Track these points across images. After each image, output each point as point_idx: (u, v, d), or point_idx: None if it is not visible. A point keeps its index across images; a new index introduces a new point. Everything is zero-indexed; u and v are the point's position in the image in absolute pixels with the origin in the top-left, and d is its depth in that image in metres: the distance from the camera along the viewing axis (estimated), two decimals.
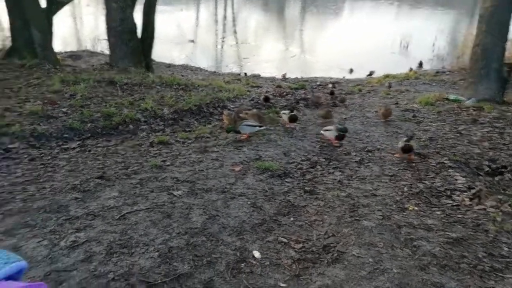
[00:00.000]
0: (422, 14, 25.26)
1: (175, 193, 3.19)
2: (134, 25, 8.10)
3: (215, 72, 11.11)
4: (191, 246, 2.44)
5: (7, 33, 10.52)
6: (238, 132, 4.75)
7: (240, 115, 5.16)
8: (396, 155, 4.31)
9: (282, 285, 2.10)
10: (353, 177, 3.78)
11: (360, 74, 11.62)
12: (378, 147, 4.62)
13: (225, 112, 5.25)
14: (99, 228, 2.56)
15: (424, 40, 15.71)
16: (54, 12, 9.08)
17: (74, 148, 4.29)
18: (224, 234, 2.63)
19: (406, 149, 4.13)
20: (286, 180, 3.67)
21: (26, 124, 4.67)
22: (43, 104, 5.38)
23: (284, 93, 8.04)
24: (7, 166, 3.63)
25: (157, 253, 2.33)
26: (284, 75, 10.92)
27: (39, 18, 8.01)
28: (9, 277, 0.89)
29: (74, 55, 11.63)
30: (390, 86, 8.48)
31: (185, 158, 4.08)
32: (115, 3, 7.76)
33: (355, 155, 4.38)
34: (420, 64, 12.12)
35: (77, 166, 3.66)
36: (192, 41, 16.79)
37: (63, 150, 4.23)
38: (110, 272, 2.12)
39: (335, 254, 2.36)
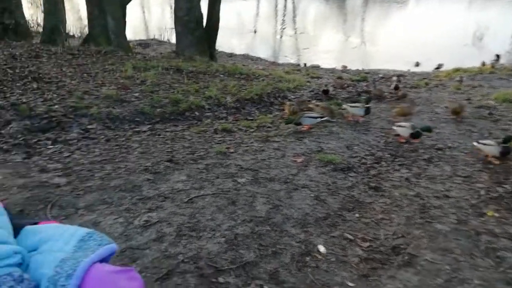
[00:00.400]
0: (499, 3, 23.05)
1: (239, 180, 3.24)
2: (200, 15, 8.31)
3: (274, 62, 11.09)
4: (256, 235, 2.47)
5: (85, 22, 11.33)
6: (299, 124, 4.70)
7: (310, 106, 5.09)
8: (491, 159, 3.84)
9: (350, 284, 2.05)
10: (422, 175, 3.58)
11: (427, 67, 10.93)
12: (450, 145, 4.32)
13: (287, 103, 5.21)
14: (169, 210, 2.68)
15: (501, 32, 14.35)
16: (128, 1, 9.58)
17: (145, 132, 4.52)
18: (288, 225, 2.63)
19: (506, 152, 3.70)
20: (350, 174, 3.57)
21: (102, 107, 5.00)
22: (117, 88, 5.73)
23: (345, 85, 7.81)
24: (86, 145, 3.93)
25: (223, 239, 2.39)
26: (344, 67, 10.61)
27: (114, 7, 8.50)
28: (102, 260, 0.92)
29: (143, 43, 12.24)
30: (461, 81, 7.87)
31: (248, 146, 4.13)
32: None
33: (423, 153, 4.15)
34: (497, 58, 11.11)
35: (148, 149, 3.85)
36: (255, 31, 16.86)
37: (135, 132, 4.48)
38: (180, 254, 2.21)
39: (406, 257, 2.26)
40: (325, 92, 6.62)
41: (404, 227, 2.64)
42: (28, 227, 1.11)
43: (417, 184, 3.38)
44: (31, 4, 15.41)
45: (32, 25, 11.45)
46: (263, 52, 12.76)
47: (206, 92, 6.07)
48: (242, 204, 2.86)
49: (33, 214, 2.48)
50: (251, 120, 5.22)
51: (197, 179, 3.22)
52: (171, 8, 22.93)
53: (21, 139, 3.97)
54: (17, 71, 6.00)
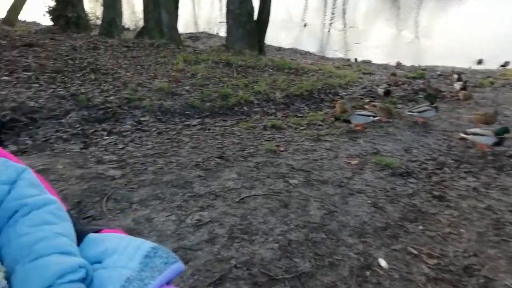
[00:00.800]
0: None
1: (291, 181, 3.12)
2: (251, 8, 8.22)
3: (323, 56, 10.77)
4: (310, 242, 2.34)
5: (140, 15, 11.67)
6: (348, 122, 4.48)
7: (366, 106, 4.85)
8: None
9: None
10: (492, 185, 3.26)
11: (491, 64, 10.10)
12: None
13: (340, 101, 4.97)
14: (221, 210, 2.61)
15: None
16: None
17: (195, 126, 4.52)
18: (345, 233, 2.47)
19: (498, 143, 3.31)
20: (409, 180, 3.32)
21: (154, 99, 5.07)
22: (168, 81, 5.80)
23: (400, 82, 7.40)
24: (139, 137, 3.98)
25: (276, 245, 2.29)
26: (398, 63, 10.07)
27: (168, 0, 8.63)
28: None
29: (193, 37, 12.40)
30: None
31: (298, 144, 3.99)
32: None
33: (492, 160, 3.78)
34: None
35: (199, 144, 3.83)
36: (305, 24, 16.51)
37: (185, 126, 4.49)
38: (232, 258, 2.14)
39: (481, 280, 2.02)
40: (387, 93, 6.06)
41: (476, 244, 2.39)
42: (92, 235, 1.05)
43: (487, 196, 3.07)
44: None
45: (91, 19, 11.95)
46: (311, 46, 12.45)
47: (255, 87, 5.98)
48: (294, 207, 2.74)
49: (90, 206, 2.51)
50: (301, 117, 5.06)
51: (248, 177, 3.13)
52: (220, 1, 23.09)
53: (79, 129, 4.11)
54: (77, 62, 6.25)
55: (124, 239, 1.00)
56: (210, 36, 13.12)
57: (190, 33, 13.68)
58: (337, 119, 4.56)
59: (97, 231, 1.09)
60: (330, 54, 11.26)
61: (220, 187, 2.93)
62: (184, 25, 14.76)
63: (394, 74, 7.98)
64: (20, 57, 6.06)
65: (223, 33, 13.59)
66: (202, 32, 13.91)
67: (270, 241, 2.33)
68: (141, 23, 11.28)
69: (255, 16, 8.52)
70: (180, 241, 2.25)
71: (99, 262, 0.97)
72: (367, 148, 3.97)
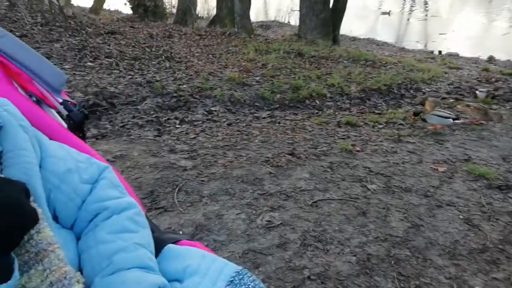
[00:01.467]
0: None
1: (369, 186, 2.85)
2: None
3: (403, 48, 10.00)
4: (393, 259, 2.09)
5: (212, 4, 11.81)
6: (424, 121, 4.06)
7: (459, 106, 4.35)
8: None
9: None
10: None
11: None
12: None
13: (430, 99, 4.49)
14: (292, 212, 2.45)
15: None
16: None
17: (264, 118, 4.39)
18: (433, 252, 2.17)
19: None
20: (510, 195, 2.87)
21: (225, 89, 5.03)
22: (239, 71, 5.73)
23: (493, 79, 6.58)
24: (210, 128, 3.95)
25: (354, 258, 2.07)
26: (491, 56, 9.01)
27: None
28: None
29: (264, 25, 12.27)
30: None
31: (376, 145, 3.67)
32: None
33: None
34: None
35: (268, 138, 3.69)
36: (389, 13, 15.52)
37: (255, 118, 4.38)
38: (305, 268, 1.96)
39: None
40: (492, 97, 5.31)
41: None
42: (171, 248, 0.96)
43: None
44: None
45: (167, 7, 12.37)
46: (389, 36, 11.65)
47: (328, 79, 5.68)
48: (373, 216, 2.48)
49: (162, 197, 2.50)
50: (379, 114, 4.69)
51: (321, 179, 2.92)
52: None
53: (153, 116, 4.19)
54: (153, 50, 6.44)
55: (206, 258, 0.89)
56: (281, 24, 12.89)
57: (261, 21, 13.58)
58: (415, 114, 4.22)
59: (175, 242, 1.00)
60: (410, 45, 10.42)
61: (292, 186, 2.76)
62: (255, 13, 14.68)
63: (486, 69, 7.14)
64: (103, 44, 6.39)
65: (294, 22, 13.29)
66: (273, 21, 13.73)
67: (347, 252, 2.12)
68: (213, 12, 11.40)
69: (331, 4, 8.12)
70: (250, 243, 2.13)
71: (178, 280, 0.88)
72: (456, 154, 3.53)
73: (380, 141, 3.76)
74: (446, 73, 6.88)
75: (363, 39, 10.85)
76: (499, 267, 2.09)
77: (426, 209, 2.60)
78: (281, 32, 11.18)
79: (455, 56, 9.06)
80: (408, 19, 15.52)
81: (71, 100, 1.13)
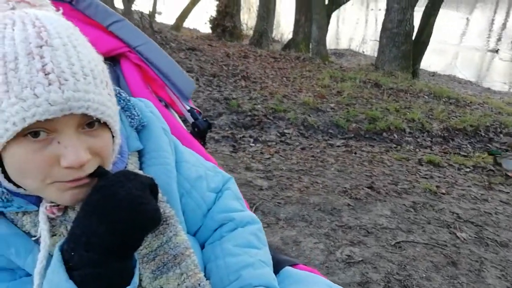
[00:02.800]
0: None
1: (458, 234, 2.59)
2: (412, 28, 7.60)
3: (489, 89, 9.32)
4: None
5: (287, 28, 12.06)
6: (499, 165, 3.77)
7: None
8: None
9: None
10: None
11: None
12: None
13: None
14: (374, 250, 2.28)
15: None
16: (333, 10, 9.64)
17: (339, 146, 4.26)
18: None
19: None
20: None
21: (299, 113, 5.00)
22: (313, 96, 5.69)
23: None
24: (283, 150, 3.91)
25: None
26: None
27: (321, 15, 8.63)
28: None
29: (337, 53, 12.22)
30: None
31: (464, 190, 3.36)
32: (397, 3, 7.43)
33: None
34: None
35: (345, 168, 3.56)
36: (497, 50, 14.65)
37: (329, 145, 4.27)
38: None
39: None
40: None
41: None
42: (290, 270, 0.92)
43: None
44: (248, 9, 17.44)
45: (244, 29, 12.85)
46: (470, 74, 10.97)
47: (408, 113, 5.42)
48: (465, 269, 2.23)
49: None
50: (464, 156, 4.33)
51: (404, 218, 2.72)
52: (366, 21, 22.51)
53: (229, 132, 4.26)
54: (230, 68, 6.66)
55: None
56: (355, 53, 12.74)
57: (334, 49, 13.53)
58: (491, 154, 3.98)
59: (292, 265, 0.97)
60: (495, 86, 9.69)
61: (372, 222, 2.60)
62: (328, 40, 14.70)
63: None
64: (185, 59, 6.74)
65: (369, 52, 13.07)
66: (346, 49, 13.62)
67: None
68: (288, 36, 11.61)
69: (414, 36, 7.85)
70: (330, 276, 2.00)
71: None
72: None
73: (468, 186, 3.45)
74: None
75: (443, 75, 10.31)
76: None
77: None
78: (355, 61, 11.03)
79: None
80: (493, 58, 14.54)
81: (197, 109, 1.14)
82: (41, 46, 0.54)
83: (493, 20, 22.58)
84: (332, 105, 5.52)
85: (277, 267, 0.90)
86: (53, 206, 0.63)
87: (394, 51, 7.67)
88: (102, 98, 0.59)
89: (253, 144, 4.00)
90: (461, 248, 2.44)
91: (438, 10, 7.82)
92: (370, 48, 13.87)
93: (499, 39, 17.58)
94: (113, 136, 0.65)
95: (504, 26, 20.83)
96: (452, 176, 3.66)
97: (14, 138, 0.54)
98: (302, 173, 3.31)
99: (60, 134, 0.56)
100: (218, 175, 0.94)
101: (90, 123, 0.60)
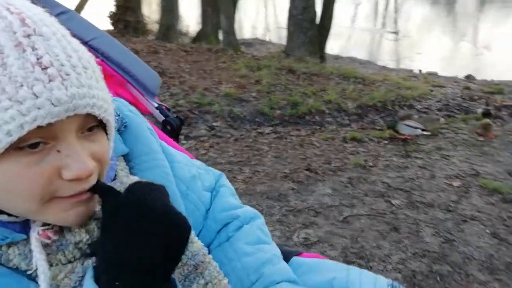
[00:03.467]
0: None
1: (393, 201, 2.83)
2: (315, 14, 8.01)
3: (384, 67, 10.32)
4: (437, 275, 2.05)
5: (194, 20, 11.83)
6: (396, 131, 4.27)
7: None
8: None
9: None
10: None
11: None
12: None
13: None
14: (326, 229, 2.38)
15: None
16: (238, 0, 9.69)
17: (269, 134, 4.33)
18: (472, 267, 2.15)
19: None
20: None
21: (223, 105, 4.95)
22: (234, 87, 5.68)
23: (476, 97, 6.87)
24: (217, 143, 3.84)
25: (399, 275, 2.01)
26: (469, 75, 9.45)
27: (228, 5, 8.61)
28: None
29: (245, 43, 12.34)
30: None
31: (387, 160, 3.68)
32: None
33: None
34: None
35: (280, 153, 3.63)
36: (395, 32, 15.93)
37: (259, 134, 4.31)
38: None
39: None
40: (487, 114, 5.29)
41: None
42: (299, 260, 0.90)
43: None
44: (149, 3, 16.63)
45: (148, 23, 12.25)
46: (366, 55, 12.04)
47: (324, 95, 5.73)
48: (406, 232, 2.45)
49: None
50: (380, 130, 4.73)
51: (344, 194, 2.88)
52: (265, 8, 23.16)
53: None
54: None
55: (351, 269, 0.84)
56: (262, 42, 13.02)
57: (241, 39, 13.66)
58: (389, 127, 4.39)
59: (297, 254, 0.97)
60: (390, 64, 10.79)
61: (318, 202, 2.70)
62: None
63: (468, 88, 7.45)
64: None
65: (276, 39, 13.48)
66: (254, 39, 13.86)
67: (390, 269, 2.06)
68: (194, 28, 11.39)
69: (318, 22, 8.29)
70: None
71: None
72: (464, 169, 3.59)
73: (390, 157, 3.78)
74: (431, 90, 7.12)
75: (346, 57, 11.12)
76: None
77: (453, 224, 2.60)
78: (264, 50, 11.28)
79: (435, 75, 9.43)
80: (381, 38, 16.13)
81: (165, 105, 1.03)
82: (29, 36, 0.43)
83: (377, 3, 25.01)
84: (253, 94, 5.57)
85: (285, 259, 0.88)
86: (47, 229, 0.50)
87: (301, 37, 8.01)
88: (104, 94, 0.51)
89: (185, 141, 3.85)
90: (398, 214, 2.67)
91: None
92: (275, 35, 14.34)
93: (384, 21, 19.56)
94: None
95: (386, 8, 23.21)
96: (374, 150, 3.98)
97: (3, 152, 0.43)
98: (242, 164, 3.29)
99: (60, 141, 0.46)
100: (209, 172, 0.88)
101: (90, 126, 0.51)
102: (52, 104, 0.43)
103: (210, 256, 0.66)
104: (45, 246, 0.51)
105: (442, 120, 5.18)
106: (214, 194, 0.84)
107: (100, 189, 0.52)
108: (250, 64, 7.18)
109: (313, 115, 5.11)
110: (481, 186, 3.20)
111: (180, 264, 0.60)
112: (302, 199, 2.72)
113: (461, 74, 9.57)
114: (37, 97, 0.42)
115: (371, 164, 3.54)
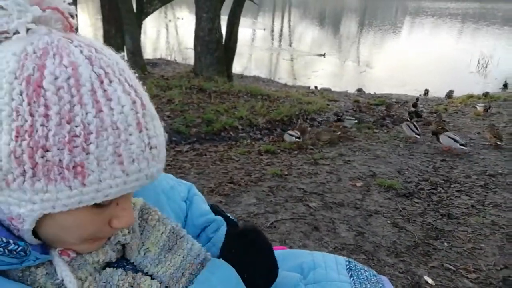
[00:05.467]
0: (493, 32, 24.09)
1: (311, 204, 3.12)
2: (221, 36, 8.31)
3: (286, 84, 11.12)
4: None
5: (100, 40, 11.19)
6: (283, 140, 4.94)
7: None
8: None
9: None
10: (486, 203, 3.52)
11: (435, 93, 11.11)
12: (500, 171, 4.31)
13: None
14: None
15: (506, 60, 14.82)
16: (142, 20, 9.55)
17: (187, 151, 4.37)
18: (381, 253, 2.51)
19: None
20: (414, 200, 3.48)
21: None
22: None
23: (365, 109, 7.86)
24: None
25: None
26: (359, 89, 10.75)
27: (133, 26, 8.44)
28: None
29: (150, 63, 12.12)
30: (489, 107, 7.63)
31: (299, 169, 4.02)
32: (206, 13, 8.01)
33: (476, 179, 4.11)
34: (505, 85, 11.41)
35: (202, 169, 3.70)
36: (324, 54, 16.85)
37: (178, 152, 4.32)
38: None
39: None
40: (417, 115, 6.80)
41: (501, 257, 2.55)
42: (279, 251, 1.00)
43: (486, 212, 3.31)
44: None
45: None
46: (266, 73, 12.85)
47: (236, 112, 5.98)
48: (325, 230, 2.73)
49: None
50: (290, 142, 5.12)
51: (267, 202, 3.08)
52: (167, 29, 23.07)
53: None
54: None
55: (314, 254, 0.97)
56: (168, 62, 12.94)
57: (146, 59, 13.38)
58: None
59: None
60: (289, 82, 11.67)
61: (245, 212, 2.84)
62: None
63: (357, 101, 8.47)
64: None
65: (181, 60, 13.52)
66: (159, 59, 13.69)
67: None
68: None
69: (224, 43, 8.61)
70: None
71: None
72: (363, 171, 4.11)
73: (301, 165, 4.13)
74: (328, 105, 7.92)
75: (250, 76, 11.69)
76: (431, 257, 2.54)
77: (361, 218, 2.98)
78: (170, 69, 11.23)
79: (329, 90, 10.49)
80: (277, 59, 17.32)
81: None
82: (144, 115, 0.51)
83: (273, 26, 26.80)
84: (167, 113, 5.56)
85: None
86: (67, 248, 0.55)
87: (209, 58, 8.24)
88: None
89: None
90: (316, 215, 2.95)
91: (239, 19, 8.80)
92: (181, 56, 14.37)
93: (280, 42, 21.04)
94: None
95: (281, 31, 25.03)
96: (287, 160, 4.30)
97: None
98: None
99: (120, 197, 0.52)
100: (181, 184, 0.95)
101: None
102: (146, 177, 0.50)
103: (209, 253, 0.73)
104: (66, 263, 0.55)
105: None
106: (188, 203, 0.90)
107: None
108: (160, 84, 7.13)
109: (228, 131, 5.31)
110: (379, 184, 3.71)
111: (188, 265, 0.67)
112: (231, 210, 2.84)
113: (350, 89, 10.82)
114: (140, 172, 0.49)
115: (286, 173, 3.83)
